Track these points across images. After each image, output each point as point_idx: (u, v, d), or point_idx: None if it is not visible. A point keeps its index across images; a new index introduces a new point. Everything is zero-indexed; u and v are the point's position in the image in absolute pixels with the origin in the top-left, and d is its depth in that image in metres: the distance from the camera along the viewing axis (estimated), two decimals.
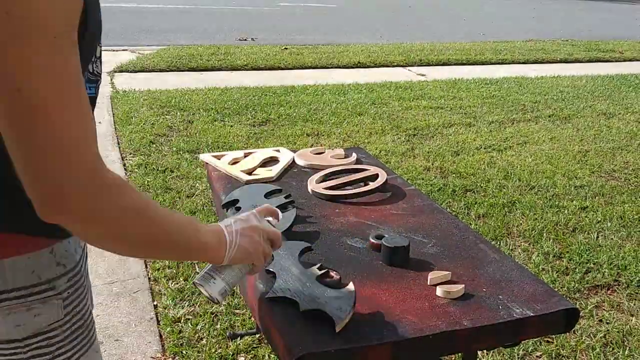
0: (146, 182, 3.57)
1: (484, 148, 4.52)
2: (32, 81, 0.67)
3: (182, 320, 2.32)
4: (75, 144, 0.71)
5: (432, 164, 4.10)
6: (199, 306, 2.42)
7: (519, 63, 8.47)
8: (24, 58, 0.66)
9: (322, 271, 1.20)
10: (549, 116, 5.52)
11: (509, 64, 8.37)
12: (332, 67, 7.46)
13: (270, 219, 1.09)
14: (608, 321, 2.43)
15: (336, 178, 1.74)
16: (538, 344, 2.26)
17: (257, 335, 2.24)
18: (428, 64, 7.91)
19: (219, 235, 0.93)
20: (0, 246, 0.84)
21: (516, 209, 3.43)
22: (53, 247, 0.88)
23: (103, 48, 0.77)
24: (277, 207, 1.47)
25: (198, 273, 2.82)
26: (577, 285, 2.67)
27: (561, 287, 2.65)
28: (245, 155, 1.92)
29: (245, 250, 0.96)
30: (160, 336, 2.26)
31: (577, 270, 2.79)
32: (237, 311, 2.39)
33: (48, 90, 0.68)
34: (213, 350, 2.17)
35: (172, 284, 2.56)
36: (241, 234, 0.96)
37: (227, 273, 0.97)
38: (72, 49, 0.71)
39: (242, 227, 0.97)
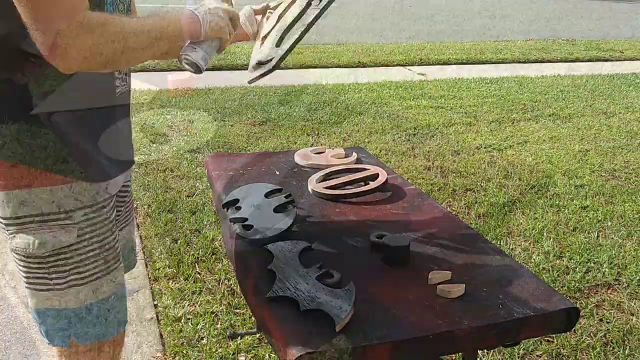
0: (146, 182, 3.57)
1: (484, 147, 4.52)
2: None
3: (182, 320, 2.32)
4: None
5: (433, 164, 4.10)
6: (199, 306, 2.42)
7: (519, 62, 8.47)
8: None
9: (322, 271, 1.20)
10: (549, 115, 5.52)
11: (509, 63, 8.36)
12: (332, 67, 7.45)
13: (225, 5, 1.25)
14: (608, 320, 2.43)
15: (336, 177, 1.74)
16: (538, 343, 2.26)
17: (257, 335, 2.24)
18: (428, 64, 7.91)
19: (191, 16, 1.13)
20: (26, 178, 1.07)
21: (516, 209, 3.43)
22: (72, 184, 1.11)
23: None
24: (277, 206, 1.48)
25: (199, 273, 2.78)
26: (577, 284, 2.67)
27: (561, 287, 2.65)
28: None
29: (217, 26, 1.16)
30: (161, 336, 2.26)
31: (577, 269, 2.79)
32: (237, 311, 2.40)
33: None
34: (213, 350, 2.17)
35: (172, 283, 2.56)
36: (209, 12, 1.15)
37: (204, 44, 1.16)
38: None
39: (208, 7, 1.16)
